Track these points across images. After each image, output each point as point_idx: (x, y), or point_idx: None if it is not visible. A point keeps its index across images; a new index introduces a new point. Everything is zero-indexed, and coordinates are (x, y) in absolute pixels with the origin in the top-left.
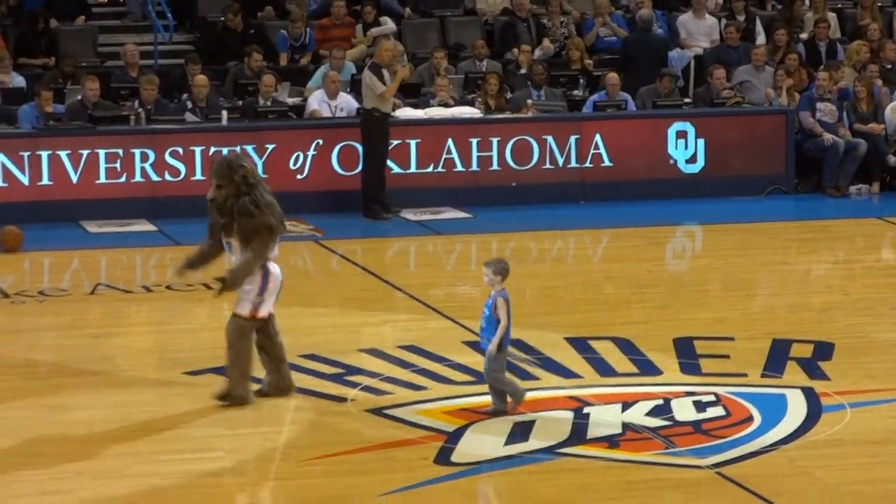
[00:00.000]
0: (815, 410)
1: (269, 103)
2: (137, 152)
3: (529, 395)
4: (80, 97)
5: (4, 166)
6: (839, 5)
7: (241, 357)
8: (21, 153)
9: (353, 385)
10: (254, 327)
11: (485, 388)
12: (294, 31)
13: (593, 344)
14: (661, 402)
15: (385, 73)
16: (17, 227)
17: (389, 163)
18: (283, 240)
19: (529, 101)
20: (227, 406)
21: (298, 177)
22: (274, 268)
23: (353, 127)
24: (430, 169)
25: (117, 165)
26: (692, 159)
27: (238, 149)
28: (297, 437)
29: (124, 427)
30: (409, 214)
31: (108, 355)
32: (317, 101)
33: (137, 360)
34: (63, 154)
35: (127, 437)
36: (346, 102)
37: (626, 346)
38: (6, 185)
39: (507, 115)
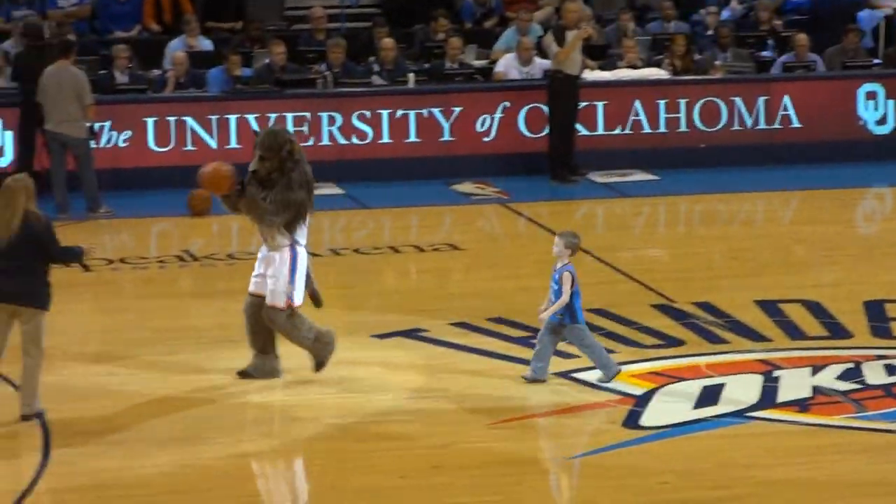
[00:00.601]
0: None
1: (455, 66)
2: (325, 115)
3: (720, 359)
4: (268, 61)
5: (193, 130)
6: None
7: (299, 337)
8: (209, 117)
9: None
10: (293, 313)
11: (675, 350)
12: None
13: (783, 307)
14: (851, 365)
15: (569, 35)
16: (205, 191)
17: (576, 125)
18: (471, 202)
19: (717, 63)
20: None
21: (485, 139)
22: (302, 252)
23: (541, 89)
24: (617, 131)
25: (305, 129)
26: (882, 121)
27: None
28: (484, 401)
29: (314, 389)
30: (597, 177)
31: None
32: (506, 66)
33: (326, 323)
34: (251, 117)
35: (313, 403)
36: (539, 69)
37: (816, 309)
38: (195, 148)
39: (696, 76)
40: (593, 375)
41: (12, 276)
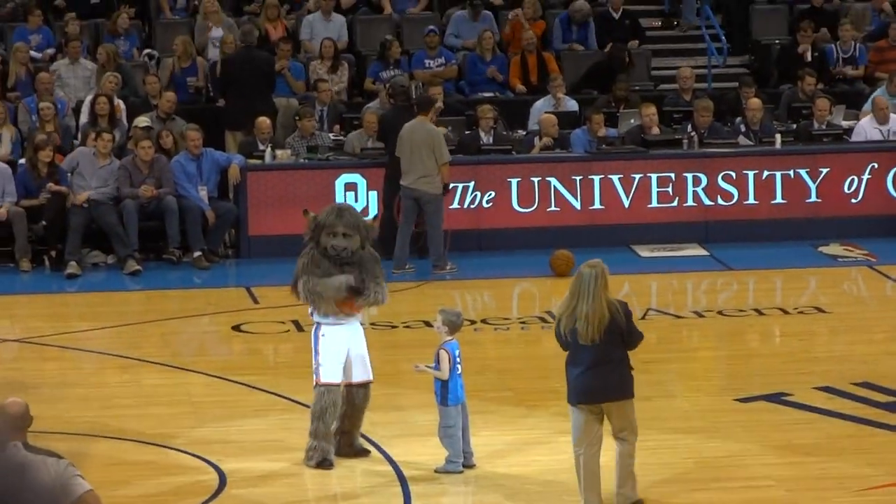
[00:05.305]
0: None
1: (823, 126)
2: (689, 176)
3: None
4: (637, 122)
5: (556, 190)
6: None
7: (315, 420)
8: (573, 177)
9: None
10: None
11: None
12: (843, 45)
13: None
14: None
15: None
16: (568, 251)
17: None
18: (838, 265)
19: None
20: None
21: (853, 201)
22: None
23: None
24: None
25: (669, 189)
26: None
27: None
28: (850, 467)
29: (672, 454)
30: None
31: (660, 380)
32: (865, 129)
33: (689, 386)
34: (615, 178)
35: (675, 465)
36: None
37: None
38: (558, 209)
39: None
40: None
41: (605, 371)
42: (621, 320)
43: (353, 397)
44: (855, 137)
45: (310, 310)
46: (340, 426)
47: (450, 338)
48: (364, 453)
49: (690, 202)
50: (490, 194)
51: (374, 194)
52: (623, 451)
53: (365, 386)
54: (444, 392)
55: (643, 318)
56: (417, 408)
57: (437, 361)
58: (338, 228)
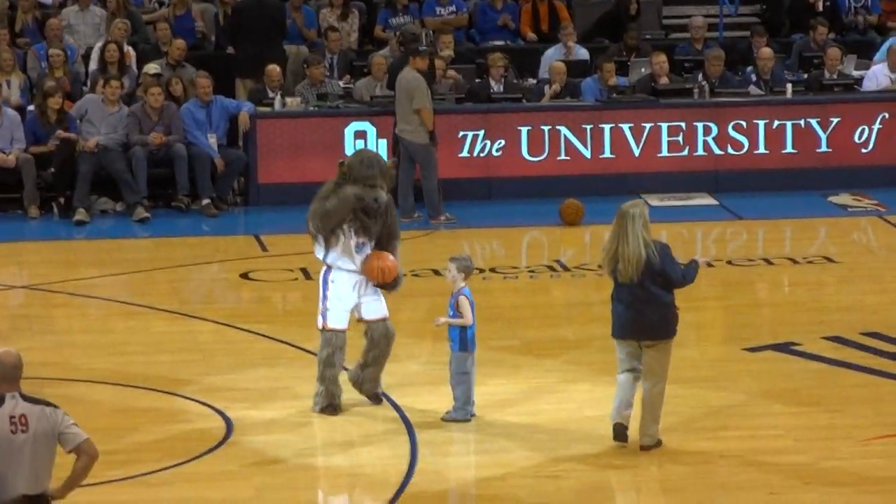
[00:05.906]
0: None
1: (834, 76)
2: (700, 125)
3: None
4: (648, 71)
5: (567, 139)
6: None
7: (321, 366)
8: (583, 126)
9: None
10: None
11: None
12: None
13: None
14: None
15: None
16: (577, 200)
17: None
18: (847, 214)
19: None
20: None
21: (863, 151)
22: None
23: None
24: None
25: (679, 139)
26: None
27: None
28: (857, 417)
29: (680, 402)
30: None
31: None
32: (877, 75)
33: (698, 335)
34: (625, 127)
35: (683, 414)
36: None
37: None
38: (568, 158)
39: None
40: None
41: (643, 310)
42: (656, 261)
43: (371, 331)
44: (866, 83)
45: (321, 253)
46: (364, 360)
47: (464, 284)
48: (377, 400)
49: (701, 151)
50: (500, 143)
51: (383, 142)
52: (653, 390)
53: (381, 321)
54: (464, 338)
55: None
56: (418, 356)
57: (455, 309)
58: (377, 181)
